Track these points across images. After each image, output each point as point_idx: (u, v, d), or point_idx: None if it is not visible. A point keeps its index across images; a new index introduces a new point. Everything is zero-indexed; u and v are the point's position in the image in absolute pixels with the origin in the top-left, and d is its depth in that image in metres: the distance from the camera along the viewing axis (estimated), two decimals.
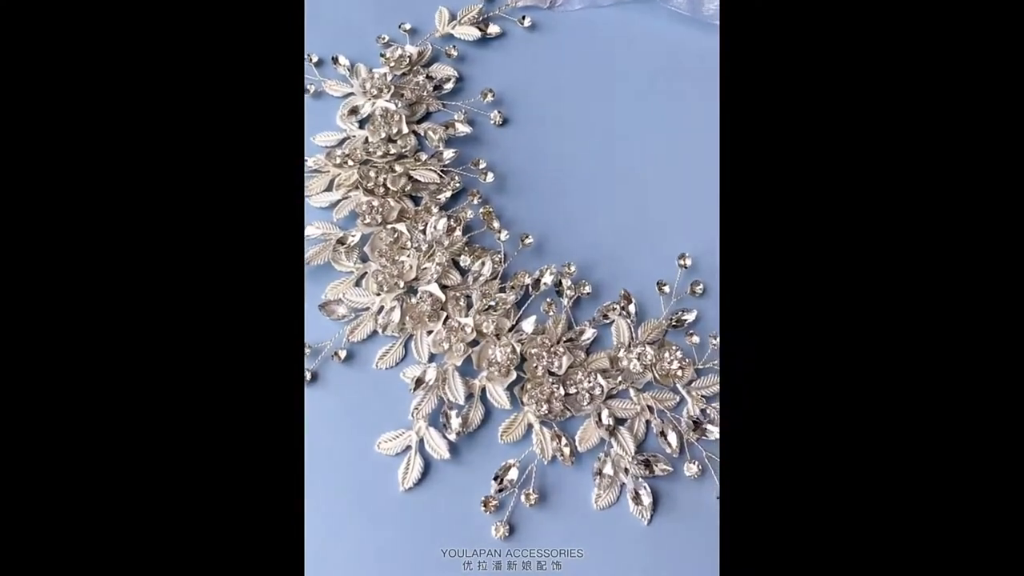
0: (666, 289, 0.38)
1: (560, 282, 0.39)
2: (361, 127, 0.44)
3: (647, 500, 0.34)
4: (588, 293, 0.39)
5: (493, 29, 0.47)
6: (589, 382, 0.36)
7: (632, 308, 0.38)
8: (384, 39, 0.47)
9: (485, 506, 0.35)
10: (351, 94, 0.45)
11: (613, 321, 0.38)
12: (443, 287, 0.39)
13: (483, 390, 0.37)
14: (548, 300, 0.39)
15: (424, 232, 0.40)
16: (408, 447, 0.36)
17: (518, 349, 0.37)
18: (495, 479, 0.35)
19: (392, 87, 0.44)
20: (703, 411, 0.35)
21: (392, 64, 0.45)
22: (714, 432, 0.35)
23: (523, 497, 0.35)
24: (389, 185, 0.41)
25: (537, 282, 0.39)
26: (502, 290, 0.39)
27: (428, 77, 0.45)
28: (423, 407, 0.36)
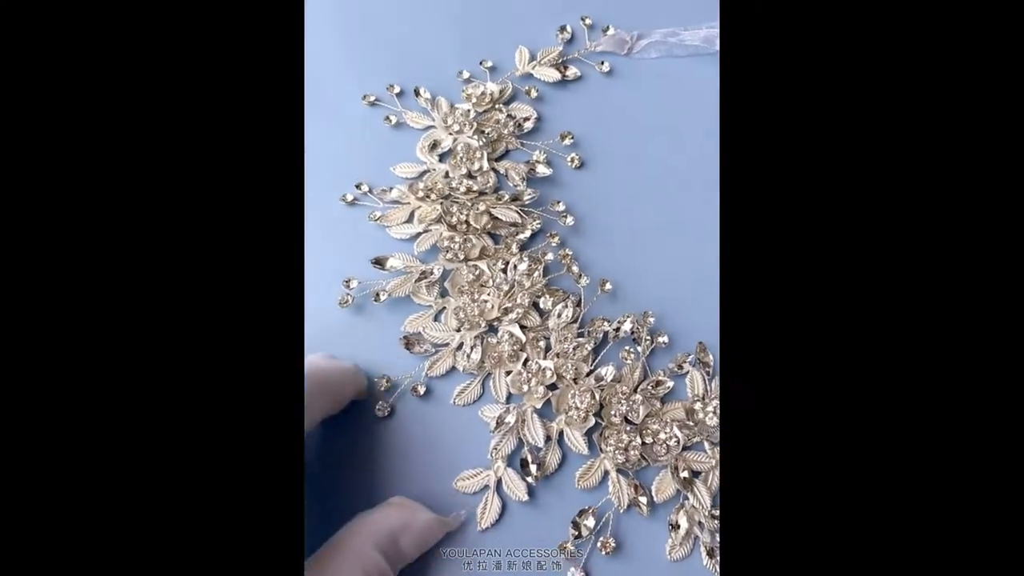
0: None
1: (638, 330, 0.40)
2: (441, 161, 0.45)
3: (717, 556, 0.35)
4: (664, 343, 0.39)
5: (572, 72, 0.48)
6: (666, 433, 0.37)
7: (709, 359, 0.38)
8: (465, 75, 0.48)
9: (562, 551, 0.35)
10: (432, 127, 0.46)
11: (688, 372, 0.38)
12: (523, 327, 0.39)
13: (560, 434, 0.37)
14: (627, 348, 0.39)
15: (505, 271, 0.41)
16: (486, 486, 0.36)
17: (597, 395, 0.37)
18: (573, 525, 0.36)
19: (474, 124, 0.45)
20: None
21: (474, 100, 0.46)
22: None
23: (599, 544, 0.35)
24: (471, 222, 0.42)
25: (617, 330, 0.39)
26: (580, 335, 0.39)
27: (509, 116, 0.46)
28: (502, 447, 0.37)
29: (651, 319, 0.40)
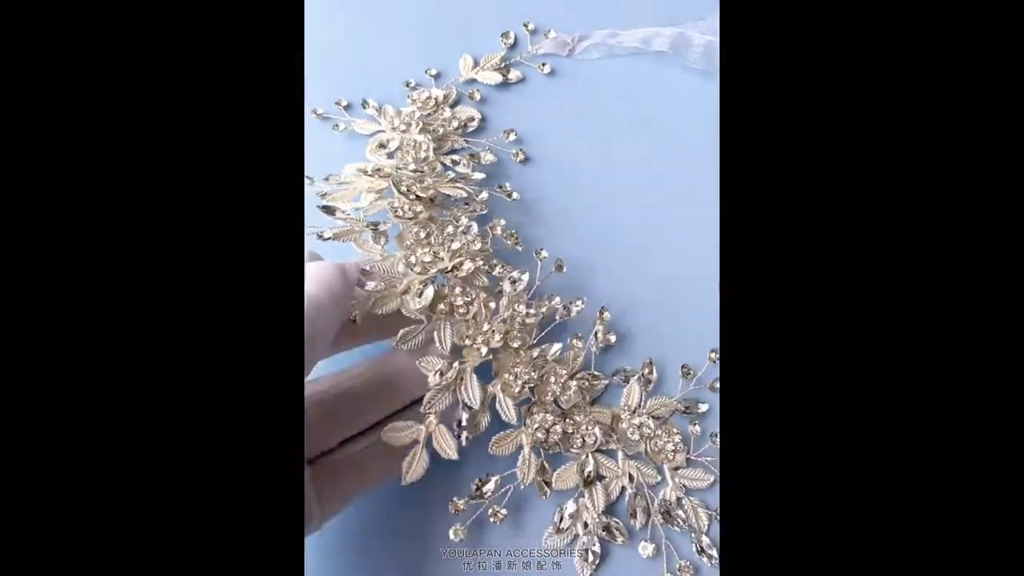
0: (690, 374, 0.40)
1: (591, 319, 0.39)
2: (390, 158, 0.45)
3: (590, 559, 0.36)
4: (612, 342, 0.40)
5: (514, 74, 0.49)
6: (587, 429, 0.37)
7: (652, 377, 0.39)
8: (411, 83, 0.49)
9: (455, 508, 0.35)
10: (380, 131, 0.46)
11: (628, 383, 0.39)
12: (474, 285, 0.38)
13: (493, 398, 0.37)
14: (578, 334, 0.39)
15: (454, 235, 0.39)
16: (416, 441, 0.35)
17: (537, 370, 0.37)
18: (476, 486, 0.36)
19: (420, 123, 0.46)
20: (679, 499, 0.37)
21: (419, 104, 0.47)
22: (680, 520, 0.36)
23: (491, 512, 0.36)
24: (419, 193, 0.40)
25: (568, 309, 0.39)
26: (530, 305, 0.39)
27: (453, 116, 0.47)
28: (436, 402, 0.36)
29: (607, 316, 0.40)
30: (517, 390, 0.37)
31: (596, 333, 0.39)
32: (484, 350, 0.37)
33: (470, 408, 0.36)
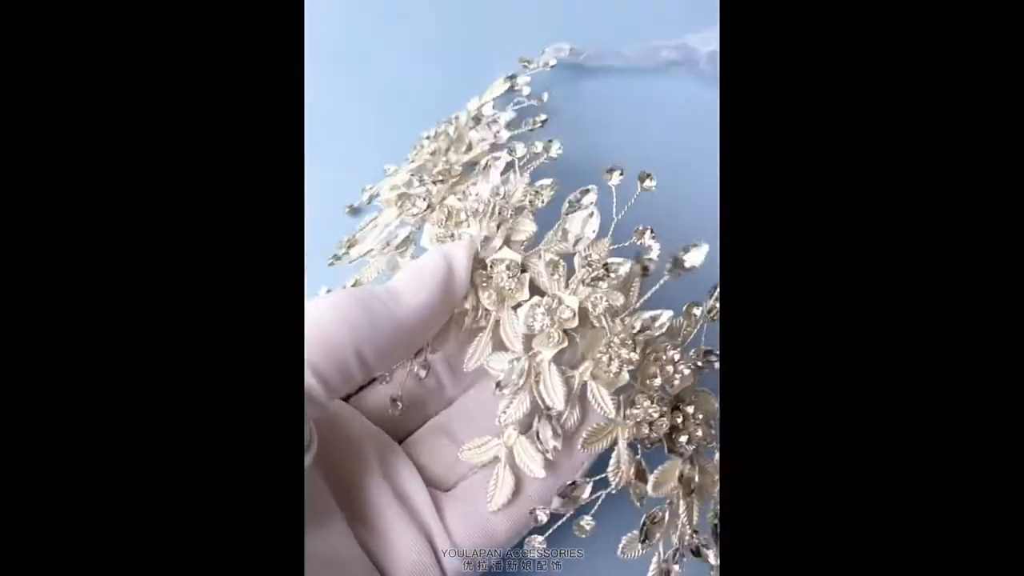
0: None
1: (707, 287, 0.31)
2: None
3: None
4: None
5: (522, 80, 0.44)
6: (695, 420, 0.30)
7: None
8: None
9: (534, 517, 0.28)
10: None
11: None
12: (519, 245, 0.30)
13: (584, 387, 0.28)
14: (695, 303, 0.30)
15: (478, 190, 0.31)
16: (496, 458, 0.28)
17: (638, 347, 0.28)
18: (560, 495, 0.28)
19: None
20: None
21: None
22: None
23: (576, 524, 0.28)
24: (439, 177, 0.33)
25: (680, 261, 0.29)
26: (612, 256, 0.29)
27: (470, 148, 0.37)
28: (512, 411, 0.27)
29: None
30: (614, 372, 0.28)
31: (712, 299, 0.31)
32: (558, 334, 0.28)
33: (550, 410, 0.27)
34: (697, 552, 0.29)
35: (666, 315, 0.29)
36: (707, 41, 0.47)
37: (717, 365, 0.30)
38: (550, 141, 0.33)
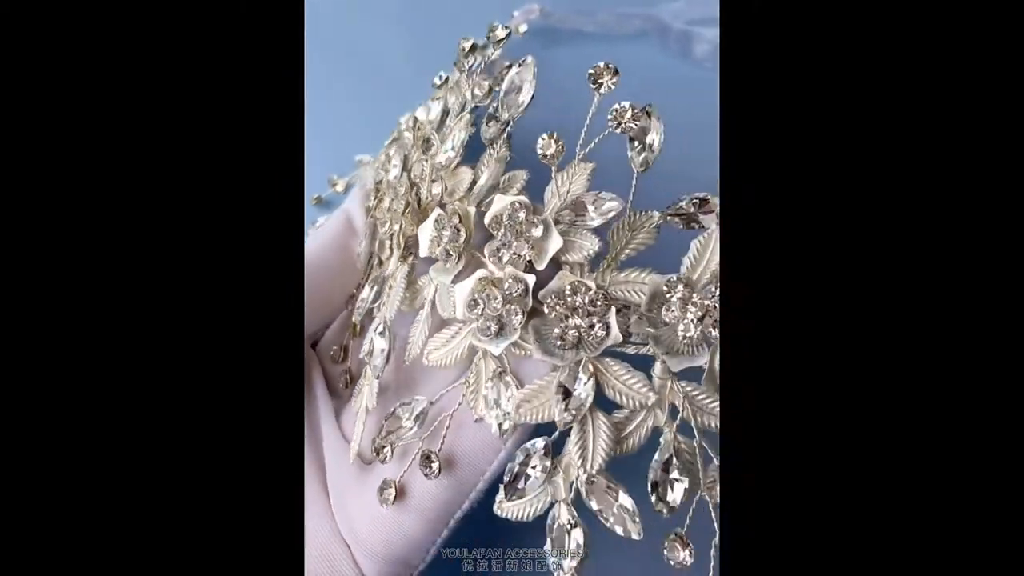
0: None
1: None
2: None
3: (568, 554, 0.19)
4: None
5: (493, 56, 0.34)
6: (591, 312, 0.19)
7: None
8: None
9: (378, 452, 0.20)
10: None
11: (707, 231, 0.20)
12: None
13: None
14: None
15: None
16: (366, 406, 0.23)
17: (470, 218, 0.21)
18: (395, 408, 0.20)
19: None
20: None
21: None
22: None
23: (423, 455, 0.20)
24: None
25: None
26: None
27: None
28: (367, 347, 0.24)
29: None
30: (450, 256, 0.20)
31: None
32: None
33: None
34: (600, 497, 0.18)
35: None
36: (677, 15, 0.44)
37: (610, 211, 0.19)
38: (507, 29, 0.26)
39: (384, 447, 0.22)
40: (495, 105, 0.22)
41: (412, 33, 0.48)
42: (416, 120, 0.28)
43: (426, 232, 0.22)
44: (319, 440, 0.26)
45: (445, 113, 0.24)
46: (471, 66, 0.24)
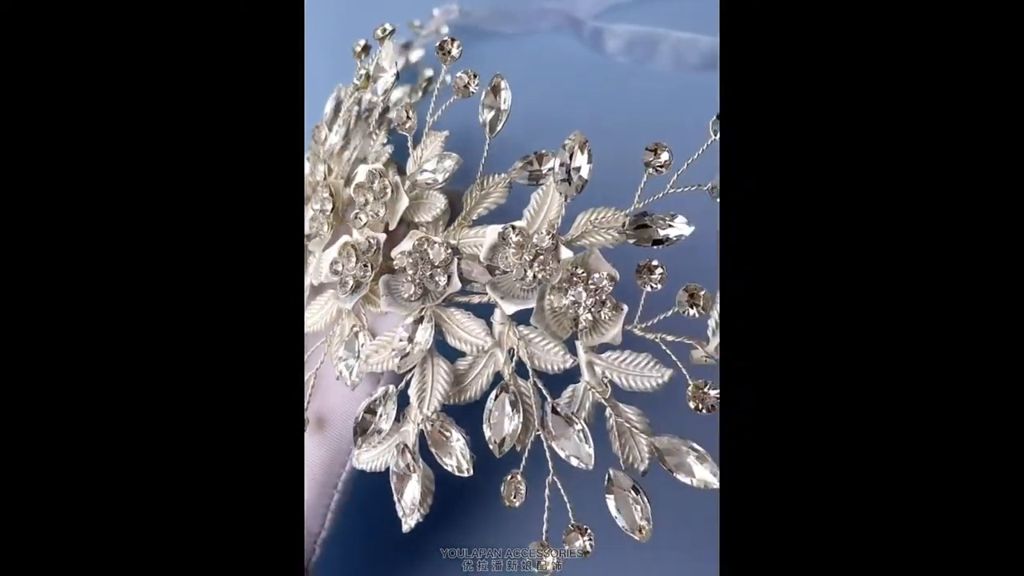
0: None
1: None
2: None
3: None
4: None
5: (415, 55, 0.40)
6: (435, 266, 0.20)
7: (580, 176, 0.20)
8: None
9: None
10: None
11: (546, 183, 0.20)
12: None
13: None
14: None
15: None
16: None
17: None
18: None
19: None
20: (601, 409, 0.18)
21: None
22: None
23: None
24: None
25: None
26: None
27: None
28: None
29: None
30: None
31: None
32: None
33: None
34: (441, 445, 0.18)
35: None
36: (596, 3, 0.45)
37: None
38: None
39: None
40: (361, 85, 0.24)
41: (329, 29, 0.47)
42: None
43: (308, 213, 0.24)
44: None
45: (337, 105, 0.26)
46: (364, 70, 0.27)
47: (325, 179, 0.24)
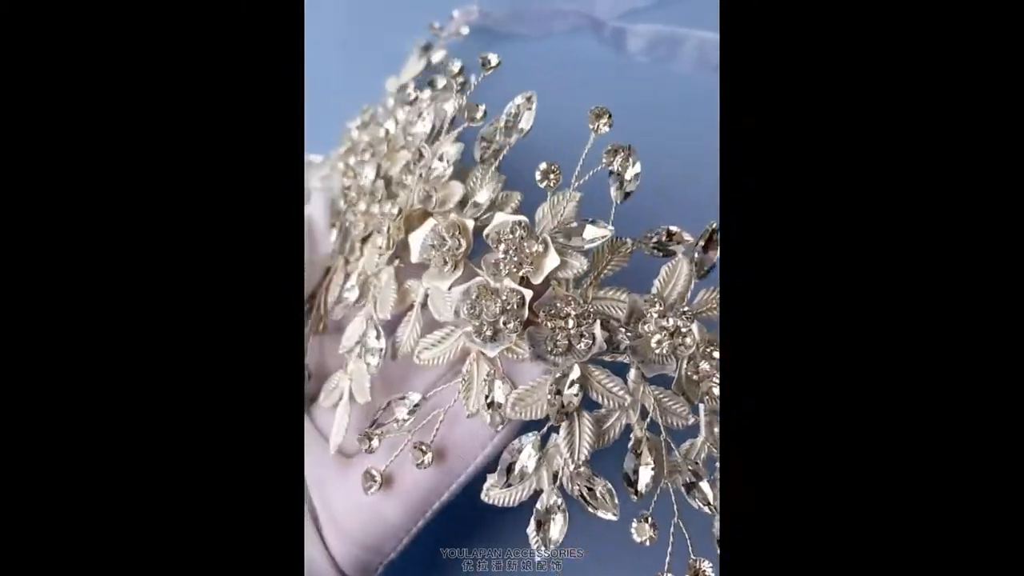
0: None
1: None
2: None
3: (552, 529, 0.21)
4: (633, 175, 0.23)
5: (437, 56, 0.38)
6: (582, 322, 0.22)
7: (712, 256, 0.23)
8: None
9: (365, 440, 0.22)
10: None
11: (675, 257, 0.23)
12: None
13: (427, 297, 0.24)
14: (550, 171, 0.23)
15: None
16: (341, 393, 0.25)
17: (468, 228, 0.23)
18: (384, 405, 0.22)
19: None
20: (712, 461, 0.22)
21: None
22: (706, 496, 0.21)
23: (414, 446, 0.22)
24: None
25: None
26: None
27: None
28: (350, 332, 0.25)
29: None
30: (447, 262, 0.23)
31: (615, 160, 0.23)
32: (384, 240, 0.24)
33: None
34: (592, 496, 0.21)
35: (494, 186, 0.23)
36: (614, 5, 0.46)
37: (597, 237, 0.23)
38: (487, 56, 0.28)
39: (372, 438, 0.23)
40: (492, 128, 0.24)
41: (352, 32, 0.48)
42: (387, 132, 0.29)
43: (418, 239, 0.24)
44: None
45: (435, 128, 0.26)
46: (455, 86, 0.26)
47: (433, 208, 0.24)
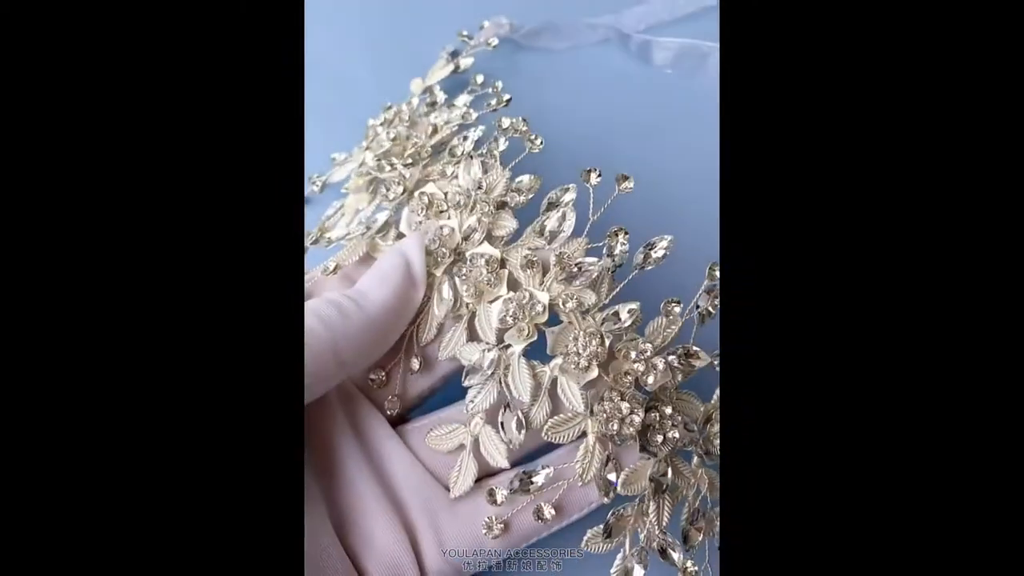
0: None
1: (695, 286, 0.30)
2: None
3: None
4: (714, 313, 0.31)
5: (464, 62, 0.44)
6: (672, 423, 0.29)
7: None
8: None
9: (491, 496, 0.27)
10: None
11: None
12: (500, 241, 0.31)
13: (554, 382, 0.29)
14: (675, 299, 0.30)
15: (459, 182, 0.32)
16: (462, 445, 0.29)
17: (607, 340, 0.28)
18: (522, 475, 0.28)
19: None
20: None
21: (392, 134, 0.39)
22: None
23: (536, 507, 0.28)
24: (405, 160, 0.35)
25: (647, 255, 0.29)
26: (589, 252, 0.30)
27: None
28: (480, 400, 0.28)
29: (716, 271, 0.29)
30: (582, 367, 0.28)
31: (700, 298, 0.30)
32: (528, 327, 0.29)
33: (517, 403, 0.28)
34: (664, 553, 0.29)
35: (629, 308, 0.29)
36: (640, 19, 0.49)
37: (700, 366, 0.29)
38: (536, 136, 0.33)
39: (497, 494, 0.29)
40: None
41: (372, 42, 0.49)
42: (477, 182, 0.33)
43: (562, 341, 0.29)
44: (380, 458, 0.30)
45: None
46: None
47: (569, 305, 0.29)
